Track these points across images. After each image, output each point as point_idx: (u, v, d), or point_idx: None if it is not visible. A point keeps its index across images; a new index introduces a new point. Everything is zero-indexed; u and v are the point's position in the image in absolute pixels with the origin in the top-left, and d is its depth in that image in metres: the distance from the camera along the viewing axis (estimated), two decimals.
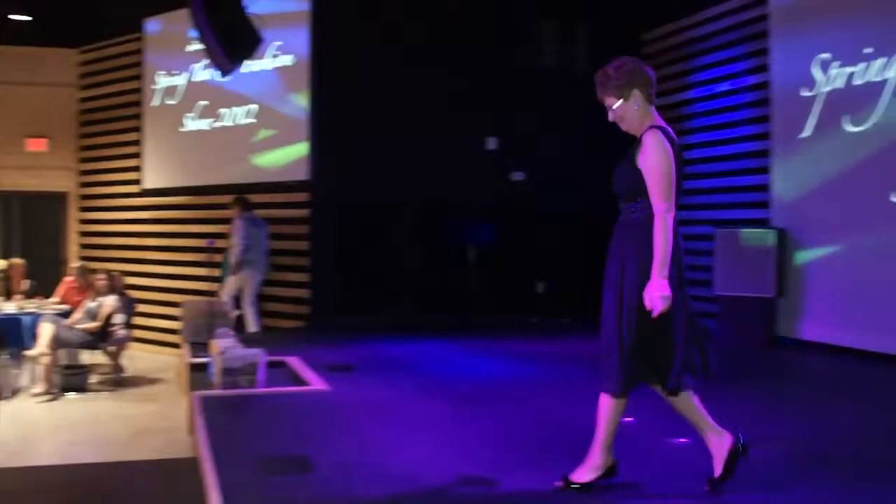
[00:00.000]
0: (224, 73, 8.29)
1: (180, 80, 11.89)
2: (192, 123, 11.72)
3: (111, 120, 12.99)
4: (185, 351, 8.64)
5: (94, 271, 10.28)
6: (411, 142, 10.46)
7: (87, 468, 6.08)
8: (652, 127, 3.81)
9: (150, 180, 12.25)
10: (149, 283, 12.06)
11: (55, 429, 7.92)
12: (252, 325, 9.70)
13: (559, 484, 3.96)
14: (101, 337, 9.51)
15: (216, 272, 10.27)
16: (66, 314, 9.75)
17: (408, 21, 10.47)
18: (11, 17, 12.14)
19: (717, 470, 3.88)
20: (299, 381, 6.90)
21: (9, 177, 13.27)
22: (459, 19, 10.64)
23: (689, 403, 3.89)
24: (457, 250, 10.88)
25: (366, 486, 4.06)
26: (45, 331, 9.09)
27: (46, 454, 7.22)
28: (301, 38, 10.49)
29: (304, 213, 10.52)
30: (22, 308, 9.77)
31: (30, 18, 12.23)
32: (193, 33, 8.20)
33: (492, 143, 10.97)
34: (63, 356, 9.59)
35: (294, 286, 10.56)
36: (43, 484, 5.45)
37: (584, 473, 3.95)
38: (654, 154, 3.72)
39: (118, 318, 9.60)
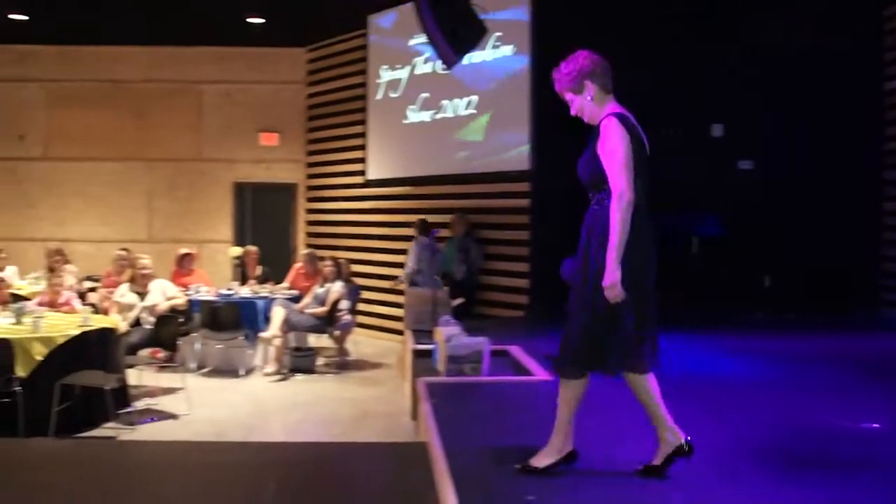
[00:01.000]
0: (449, 66, 8.36)
1: (403, 74, 12.15)
2: (414, 115, 11.96)
3: (337, 114, 13.49)
4: (407, 337, 8.80)
5: (322, 259, 10.70)
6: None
7: (316, 447, 6.27)
8: (609, 115, 3.86)
9: (374, 171, 12.61)
10: (372, 270, 12.42)
11: (285, 407, 8.28)
12: None
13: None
14: (328, 321, 9.88)
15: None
16: (295, 299, 10.20)
17: (630, 7, 10.18)
18: (249, 20, 12.83)
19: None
20: (522, 370, 6.84)
21: (244, 169, 14.11)
22: (684, 4, 10.23)
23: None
24: (680, 242, 10.47)
25: (597, 482, 3.93)
26: (277, 314, 9.55)
27: (278, 430, 7.57)
28: (522, 26, 10.44)
29: (524, 203, 10.47)
30: (256, 292, 10.31)
31: (263, 21, 12.89)
32: (418, 27, 8.30)
33: (717, 130, 10.49)
34: (292, 339, 10.05)
35: (514, 276, 10.54)
36: (277, 459, 5.65)
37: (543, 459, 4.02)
38: (611, 140, 3.78)
39: (344, 304, 9.94)
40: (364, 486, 4.74)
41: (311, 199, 14.11)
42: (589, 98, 3.97)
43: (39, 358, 6.92)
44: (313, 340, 10.50)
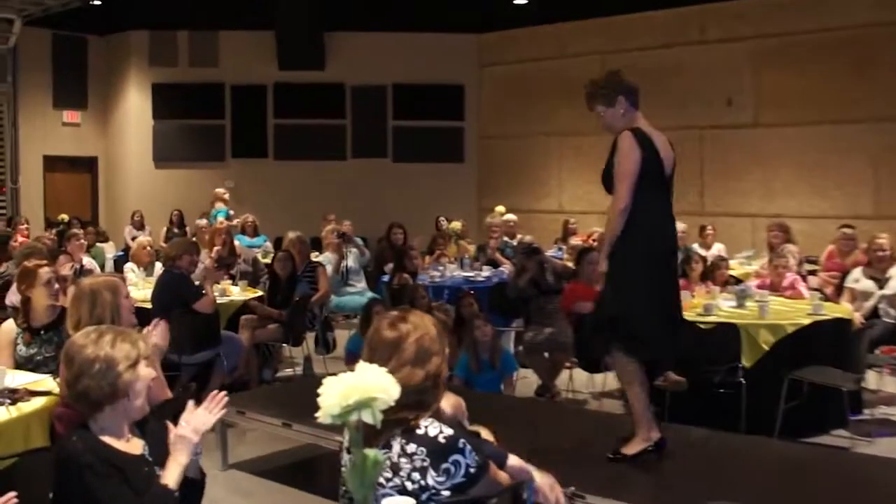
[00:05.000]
0: None
1: None
2: None
3: None
4: None
5: None
6: None
7: None
8: (626, 130, 4.46)
9: None
10: None
11: None
12: None
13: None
14: None
15: None
16: None
17: None
18: None
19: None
20: None
21: None
22: None
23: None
24: None
25: None
26: None
27: None
28: None
29: None
30: None
31: None
32: None
33: None
34: None
35: None
36: None
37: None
38: (622, 154, 4.46)
39: None
40: None
41: None
42: (620, 112, 4.49)
43: (766, 347, 6.46)
44: None
